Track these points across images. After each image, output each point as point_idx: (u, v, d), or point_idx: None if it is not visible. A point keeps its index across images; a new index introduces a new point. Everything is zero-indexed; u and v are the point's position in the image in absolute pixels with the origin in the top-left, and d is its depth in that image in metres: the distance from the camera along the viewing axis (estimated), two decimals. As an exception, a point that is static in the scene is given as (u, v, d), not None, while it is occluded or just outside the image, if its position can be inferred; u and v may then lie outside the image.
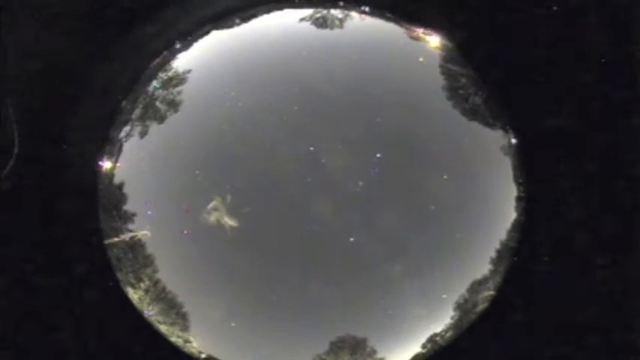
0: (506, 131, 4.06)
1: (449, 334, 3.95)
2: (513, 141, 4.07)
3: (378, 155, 3.73)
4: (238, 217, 3.72)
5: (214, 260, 3.81)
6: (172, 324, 3.91)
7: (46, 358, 4.04)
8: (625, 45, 4.10)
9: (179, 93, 3.92)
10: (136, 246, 3.88)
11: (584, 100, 4.11)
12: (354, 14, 4.09)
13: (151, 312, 3.93)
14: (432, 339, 3.93)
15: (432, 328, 3.90)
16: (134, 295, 3.95)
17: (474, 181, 3.92)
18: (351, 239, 3.72)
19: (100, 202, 4.00)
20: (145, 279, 3.89)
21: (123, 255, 3.92)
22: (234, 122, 3.81)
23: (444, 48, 4.10)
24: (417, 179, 3.82)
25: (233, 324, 3.84)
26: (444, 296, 3.86)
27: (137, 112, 3.99)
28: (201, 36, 4.10)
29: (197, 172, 3.75)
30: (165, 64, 4.04)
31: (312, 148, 3.72)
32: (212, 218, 3.71)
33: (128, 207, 3.89)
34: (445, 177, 3.84)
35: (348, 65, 3.91)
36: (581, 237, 4.09)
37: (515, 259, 4.03)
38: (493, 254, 3.94)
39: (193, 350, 3.97)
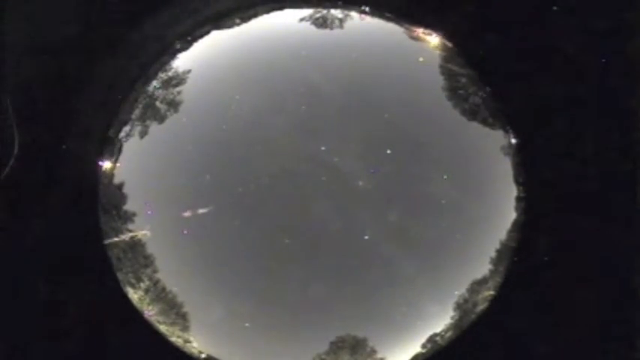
0: (506, 131, 4.06)
1: (449, 334, 3.95)
2: (513, 141, 4.07)
3: (389, 151, 3.73)
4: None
5: (214, 260, 3.81)
6: (172, 324, 3.91)
7: (45, 357, 4.04)
8: (625, 45, 4.10)
9: (179, 93, 3.93)
10: (136, 246, 3.88)
11: (585, 99, 4.12)
12: (354, 14, 4.09)
13: (151, 312, 3.93)
14: (432, 339, 3.93)
15: (432, 328, 3.90)
16: (134, 295, 3.95)
17: (473, 181, 3.92)
18: (366, 237, 3.73)
19: (100, 202, 4.00)
20: (145, 279, 3.89)
21: (123, 255, 3.92)
22: (235, 122, 3.81)
23: (444, 48, 4.10)
24: (416, 179, 3.82)
25: (233, 324, 3.85)
26: (456, 292, 3.87)
27: (137, 112, 3.99)
28: (201, 36, 4.10)
29: (207, 176, 3.75)
30: (165, 64, 4.04)
31: (323, 148, 3.72)
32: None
33: (128, 207, 3.90)
34: (445, 177, 3.84)
35: (347, 65, 3.91)
36: (582, 237, 4.09)
37: (515, 259, 4.03)
38: (493, 254, 3.94)
39: (193, 350, 3.97)
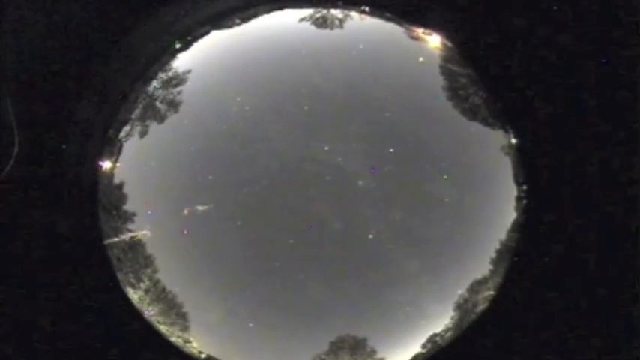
0: (506, 131, 4.06)
1: (449, 334, 3.95)
2: (513, 141, 4.07)
3: (391, 150, 3.74)
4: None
5: (214, 260, 3.81)
6: (172, 324, 3.91)
7: (45, 357, 4.04)
8: (625, 45, 4.10)
9: (179, 93, 3.93)
10: (136, 246, 3.88)
11: (585, 100, 4.12)
12: (354, 14, 4.09)
13: (151, 312, 3.93)
14: (432, 339, 3.93)
15: (432, 328, 3.90)
16: (134, 295, 3.95)
17: (474, 181, 3.92)
18: (370, 236, 3.73)
19: (100, 202, 4.00)
20: (145, 279, 3.89)
21: (123, 255, 3.92)
22: (236, 122, 3.81)
23: (444, 48, 4.10)
24: (416, 180, 3.82)
25: (233, 324, 3.85)
26: (459, 292, 3.87)
27: (137, 112, 3.99)
28: (201, 36, 4.10)
29: (210, 176, 3.76)
30: (165, 64, 4.04)
31: (327, 148, 3.73)
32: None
33: (128, 207, 3.90)
34: (445, 177, 3.84)
35: (348, 65, 3.92)
36: (582, 237, 4.09)
37: (516, 259, 4.03)
38: (493, 254, 3.94)
39: (193, 350, 3.97)
